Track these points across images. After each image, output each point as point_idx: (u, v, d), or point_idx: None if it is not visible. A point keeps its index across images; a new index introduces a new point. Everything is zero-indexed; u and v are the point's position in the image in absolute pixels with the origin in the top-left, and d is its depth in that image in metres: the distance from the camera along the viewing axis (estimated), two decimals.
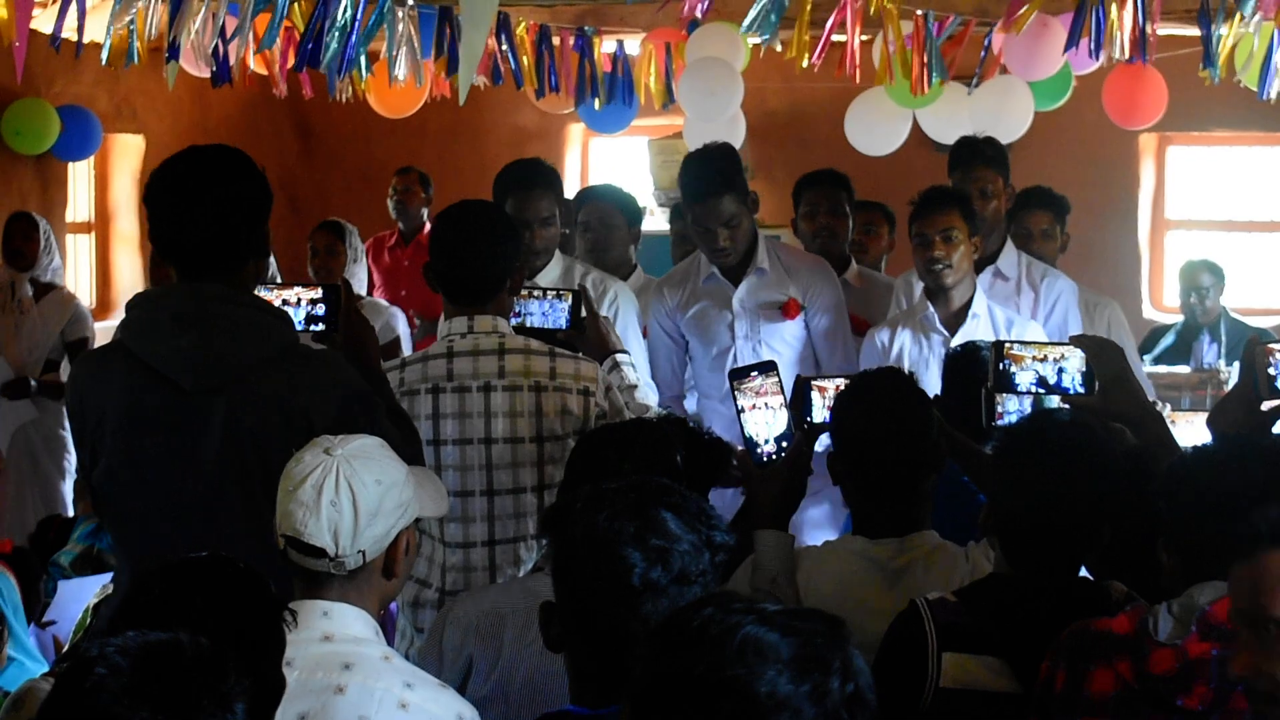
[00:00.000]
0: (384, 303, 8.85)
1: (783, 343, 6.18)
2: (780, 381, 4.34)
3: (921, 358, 6.09)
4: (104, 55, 6.78)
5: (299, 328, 4.21)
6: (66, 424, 8.89)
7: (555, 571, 2.82)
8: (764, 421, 4.29)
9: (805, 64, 6.65)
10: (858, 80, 8.28)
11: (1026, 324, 6.07)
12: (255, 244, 3.94)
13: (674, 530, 2.71)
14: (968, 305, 6.06)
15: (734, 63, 8.62)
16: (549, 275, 5.90)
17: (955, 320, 6.07)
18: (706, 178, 6.02)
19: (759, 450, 4.26)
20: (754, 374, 4.35)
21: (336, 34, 6.36)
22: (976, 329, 5.94)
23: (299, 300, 4.30)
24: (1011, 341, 4.09)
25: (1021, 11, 5.39)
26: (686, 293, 6.38)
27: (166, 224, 3.92)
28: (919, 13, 7.15)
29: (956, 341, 5.79)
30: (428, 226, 10.35)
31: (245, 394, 3.81)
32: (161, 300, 3.95)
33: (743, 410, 4.30)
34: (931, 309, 6.12)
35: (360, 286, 8.18)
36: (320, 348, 4.16)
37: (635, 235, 6.97)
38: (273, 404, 3.82)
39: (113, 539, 4.11)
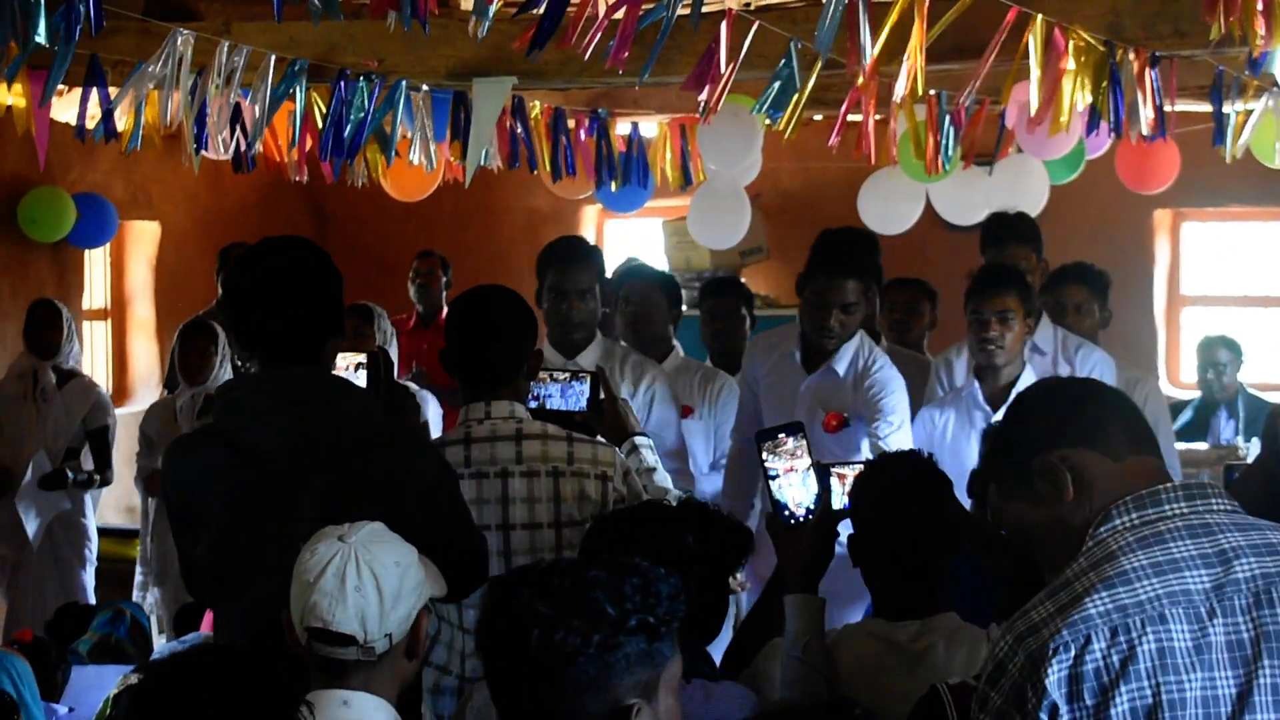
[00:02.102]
0: (415, 387, 8.82)
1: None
2: (809, 443, 4.31)
3: (963, 433, 6.08)
4: (89, 136, 6.82)
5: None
6: (89, 512, 8.91)
7: (479, 648, 2.62)
8: (794, 486, 4.27)
9: (791, 135, 6.63)
10: (872, 160, 8.30)
11: None
12: (332, 324, 4.08)
13: (601, 603, 2.47)
14: (1013, 383, 6.04)
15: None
16: (589, 356, 5.94)
17: (1000, 397, 6.05)
18: (842, 255, 6.02)
19: (787, 514, 4.25)
20: (782, 435, 4.33)
21: (358, 121, 6.38)
22: None
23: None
24: None
25: (1050, 112, 5.36)
26: (773, 359, 6.39)
27: (248, 317, 4.07)
28: (932, 92, 7.14)
29: (998, 418, 5.74)
30: (446, 310, 10.38)
31: (346, 473, 3.93)
32: (257, 386, 4.12)
33: (776, 476, 4.28)
34: (977, 385, 6.12)
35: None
36: (403, 427, 4.41)
37: (676, 316, 7.04)
38: (373, 481, 3.94)
39: (216, 621, 4.17)
